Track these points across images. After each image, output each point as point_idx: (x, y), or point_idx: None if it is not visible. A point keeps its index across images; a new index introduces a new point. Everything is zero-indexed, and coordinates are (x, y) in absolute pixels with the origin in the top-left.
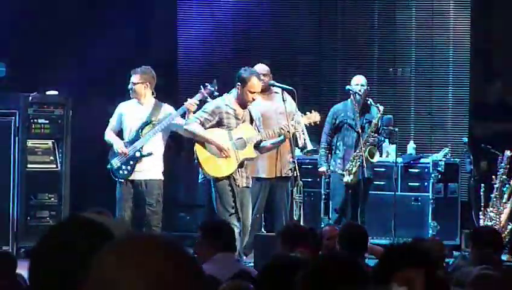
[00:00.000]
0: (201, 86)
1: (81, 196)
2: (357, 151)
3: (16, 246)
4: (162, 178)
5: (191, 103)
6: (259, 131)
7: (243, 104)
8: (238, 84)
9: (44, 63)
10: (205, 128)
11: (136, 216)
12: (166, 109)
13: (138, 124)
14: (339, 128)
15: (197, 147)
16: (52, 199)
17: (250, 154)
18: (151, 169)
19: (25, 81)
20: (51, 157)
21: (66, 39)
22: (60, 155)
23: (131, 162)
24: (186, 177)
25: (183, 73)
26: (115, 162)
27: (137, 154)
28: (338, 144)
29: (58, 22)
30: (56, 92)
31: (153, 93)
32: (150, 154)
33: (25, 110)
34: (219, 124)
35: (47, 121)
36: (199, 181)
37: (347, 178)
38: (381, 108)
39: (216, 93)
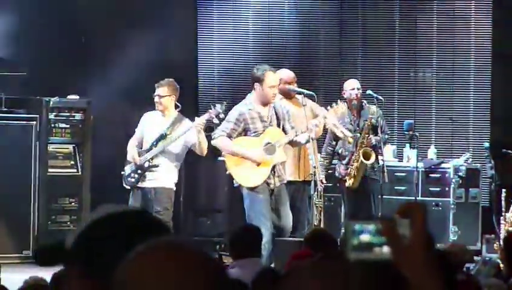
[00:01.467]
0: (212, 106)
1: (102, 201)
2: (355, 155)
3: None
4: (174, 188)
5: (199, 123)
6: (291, 127)
7: (265, 102)
8: (256, 85)
9: (65, 67)
10: (233, 138)
11: None
12: (185, 124)
13: (155, 135)
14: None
15: (227, 157)
16: (73, 203)
17: (281, 158)
18: (161, 178)
19: (46, 86)
20: (72, 162)
21: (88, 44)
22: (81, 160)
23: (140, 171)
24: (206, 182)
25: (203, 84)
26: (126, 169)
27: (146, 164)
28: (341, 150)
29: (79, 27)
30: (77, 97)
31: (177, 106)
32: (156, 166)
33: (46, 115)
34: (245, 130)
35: (68, 126)
36: (234, 186)
37: (348, 182)
38: (373, 108)
39: (222, 116)
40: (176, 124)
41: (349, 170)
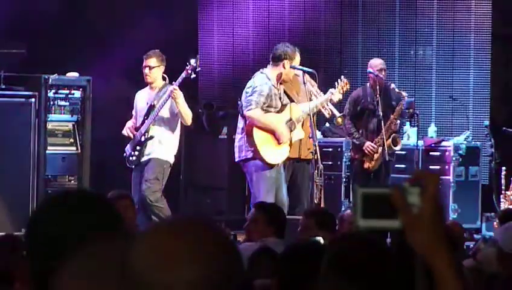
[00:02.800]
0: (187, 63)
1: (101, 179)
2: (379, 137)
3: None
4: (169, 160)
5: (173, 89)
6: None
7: (285, 80)
8: (284, 61)
9: (65, 44)
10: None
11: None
12: (170, 88)
13: (145, 108)
14: (361, 115)
15: (255, 131)
16: (72, 181)
17: (300, 135)
18: (156, 150)
19: (45, 63)
20: (71, 140)
21: (87, 21)
22: (80, 138)
23: (138, 147)
24: (206, 160)
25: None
26: (127, 150)
27: (142, 138)
28: (361, 130)
29: (79, 5)
30: (77, 74)
31: (164, 78)
32: (151, 137)
33: (45, 92)
34: (268, 105)
35: (67, 103)
36: (236, 161)
37: (367, 164)
38: (405, 94)
39: (198, 69)
40: (161, 93)
41: (369, 150)
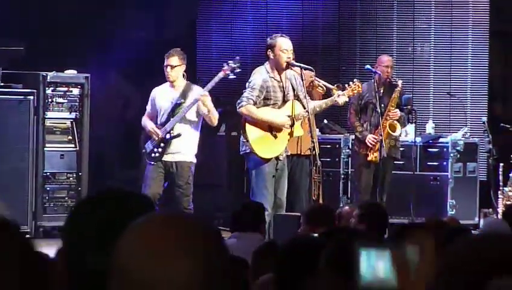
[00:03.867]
0: (224, 64)
1: (100, 176)
2: (379, 129)
3: (35, 225)
4: (194, 161)
5: (203, 94)
6: (304, 96)
7: (281, 67)
8: (269, 52)
9: (63, 42)
10: (257, 105)
11: (163, 197)
12: (196, 90)
13: (170, 106)
14: (365, 109)
15: (247, 127)
16: (71, 178)
17: (298, 133)
18: (181, 151)
19: (44, 61)
20: (69, 137)
21: (85, 19)
22: (79, 135)
23: (162, 145)
24: (205, 157)
25: (202, 61)
26: (148, 146)
27: (168, 136)
28: (365, 125)
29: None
30: (75, 72)
31: (183, 76)
32: (178, 135)
33: (43, 90)
34: (266, 98)
35: (65, 101)
36: (241, 153)
37: (371, 156)
38: (400, 82)
39: (238, 70)
40: (187, 91)
41: (371, 142)
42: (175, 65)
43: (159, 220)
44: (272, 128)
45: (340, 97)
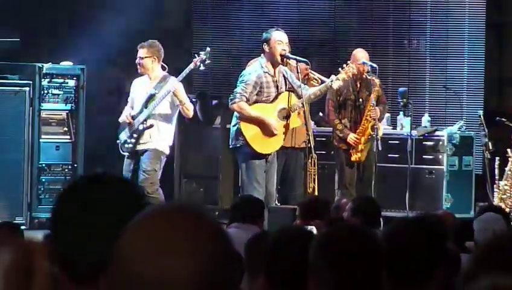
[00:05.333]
0: (195, 55)
1: (94, 167)
2: (360, 128)
3: (30, 217)
4: (166, 152)
5: (177, 85)
6: (298, 86)
7: (276, 60)
8: (265, 46)
9: (59, 33)
10: (250, 101)
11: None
12: (171, 81)
13: (144, 97)
14: (344, 105)
15: (243, 125)
16: (66, 170)
17: (295, 124)
18: (154, 140)
19: (39, 52)
20: (65, 128)
21: (81, 10)
22: (74, 126)
23: (135, 135)
24: (199, 149)
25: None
26: (122, 136)
27: (141, 127)
28: (344, 121)
29: None
30: (70, 63)
31: (163, 68)
32: (151, 126)
33: (39, 81)
34: (258, 93)
35: (61, 92)
36: (230, 147)
37: (354, 156)
38: (377, 81)
39: (208, 61)
40: (162, 83)
41: (353, 142)
42: (143, 57)
43: (165, 212)
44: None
45: (335, 82)
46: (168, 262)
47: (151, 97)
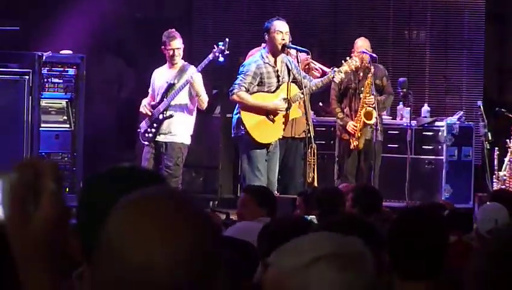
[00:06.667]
0: (215, 46)
1: (95, 156)
2: (358, 115)
3: None
4: (187, 142)
5: (192, 77)
6: (303, 77)
7: (276, 50)
8: (265, 35)
9: (58, 22)
10: (250, 92)
11: None
12: (190, 71)
13: (164, 87)
14: (345, 94)
15: (243, 115)
16: (66, 158)
17: (296, 114)
18: (173, 132)
19: (39, 40)
20: (65, 117)
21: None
22: (74, 115)
23: (155, 125)
24: (199, 139)
25: (198, 42)
26: (142, 126)
27: (160, 116)
28: (345, 109)
29: None
30: (70, 52)
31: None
32: (171, 116)
33: (38, 70)
34: (260, 84)
35: (61, 81)
36: (233, 136)
37: (353, 144)
38: (372, 69)
39: (227, 52)
40: (182, 72)
41: (351, 129)
42: (179, 47)
43: (150, 200)
44: (269, 113)
45: (337, 74)
46: (152, 249)
47: (170, 87)
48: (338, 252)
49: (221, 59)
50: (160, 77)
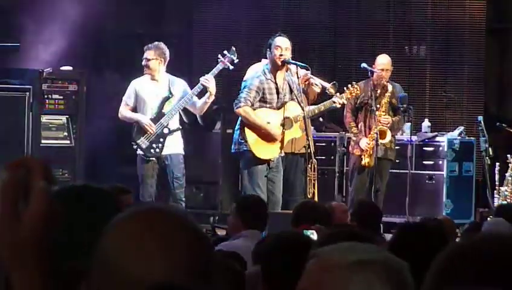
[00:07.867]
0: (220, 56)
1: (95, 172)
2: (372, 132)
3: None
4: (183, 152)
5: (207, 78)
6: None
7: (276, 65)
8: (268, 51)
9: (58, 38)
10: (254, 106)
11: (162, 193)
12: (180, 83)
13: (158, 100)
14: (361, 109)
15: (245, 130)
16: (66, 174)
17: (296, 134)
18: (175, 144)
19: (39, 57)
20: (65, 133)
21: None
22: (74, 131)
23: (161, 140)
24: (199, 154)
25: (198, 54)
26: (142, 142)
27: (166, 130)
28: (360, 125)
29: None
30: (70, 68)
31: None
32: (179, 129)
33: (39, 86)
34: (261, 99)
35: (61, 97)
36: (232, 152)
37: (365, 160)
38: (390, 88)
39: (236, 61)
40: (172, 85)
41: (364, 146)
42: (150, 58)
43: (143, 215)
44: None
45: (337, 104)
46: (151, 261)
47: (166, 100)
48: (388, 262)
49: (231, 68)
50: (146, 89)
